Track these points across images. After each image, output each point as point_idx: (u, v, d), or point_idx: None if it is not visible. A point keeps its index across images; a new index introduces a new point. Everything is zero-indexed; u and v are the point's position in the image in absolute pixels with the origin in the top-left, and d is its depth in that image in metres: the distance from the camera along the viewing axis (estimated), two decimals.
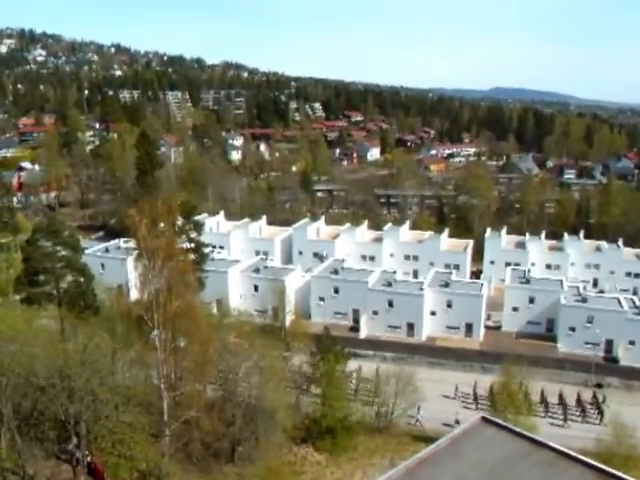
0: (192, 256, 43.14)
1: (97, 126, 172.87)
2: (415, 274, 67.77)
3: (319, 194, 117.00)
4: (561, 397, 44.23)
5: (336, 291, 57.45)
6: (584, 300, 54.45)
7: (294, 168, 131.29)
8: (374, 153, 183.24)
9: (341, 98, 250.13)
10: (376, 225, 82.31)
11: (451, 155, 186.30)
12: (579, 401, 44.73)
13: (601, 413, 43.19)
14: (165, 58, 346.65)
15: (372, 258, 70.94)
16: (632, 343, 51.35)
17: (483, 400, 44.15)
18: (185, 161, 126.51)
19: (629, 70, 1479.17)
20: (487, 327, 57.01)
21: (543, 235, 76.68)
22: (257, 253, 70.29)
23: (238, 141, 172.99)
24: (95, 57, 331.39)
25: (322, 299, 57.91)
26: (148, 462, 30.01)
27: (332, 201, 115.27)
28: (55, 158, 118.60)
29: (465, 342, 54.16)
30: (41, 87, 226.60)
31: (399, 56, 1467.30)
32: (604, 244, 73.86)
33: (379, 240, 73.49)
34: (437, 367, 49.75)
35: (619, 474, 15.89)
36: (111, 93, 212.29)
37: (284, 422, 35.00)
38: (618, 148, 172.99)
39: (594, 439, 34.28)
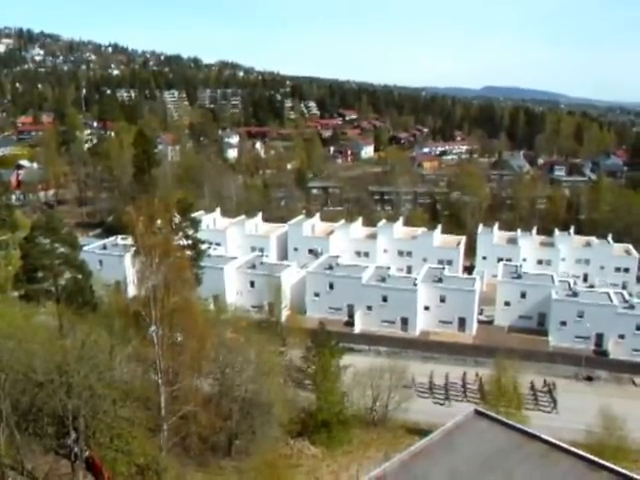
0: (189, 253, 43.40)
1: (95, 125, 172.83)
2: (409, 270, 68.39)
3: (314, 191, 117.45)
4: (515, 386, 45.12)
5: (331, 287, 58.02)
6: (575, 295, 55.26)
7: (289, 166, 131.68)
8: (368, 151, 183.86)
9: (335, 97, 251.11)
10: (370, 222, 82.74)
11: (444, 153, 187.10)
12: (532, 389, 45.61)
13: (554, 401, 44.15)
14: (162, 58, 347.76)
15: (366, 254, 71.43)
16: (622, 337, 52.24)
17: (440, 390, 45.43)
18: (182, 159, 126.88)
19: (619, 69, 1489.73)
20: (480, 321, 57.75)
21: (534, 231, 77.45)
22: (253, 250, 70.68)
23: (234, 139, 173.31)
24: (93, 56, 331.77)
25: (317, 294, 58.46)
26: (146, 456, 30.15)
27: (327, 198, 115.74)
28: (53, 156, 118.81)
29: (458, 336, 54.89)
30: (39, 86, 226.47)
31: (392, 55, 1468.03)
32: (594, 240, 74.63)
33: (373, 236, 74.03)
34: (430, 361, 50.33)
35: (609, 465, 16.55)
36: (109, 92, 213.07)
37: (280, 416, 35.39)
38: (607, 146, 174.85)
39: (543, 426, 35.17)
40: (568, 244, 72.93)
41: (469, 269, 73.28)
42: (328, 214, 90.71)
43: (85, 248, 54.95)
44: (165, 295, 30.04)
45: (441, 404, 43.77)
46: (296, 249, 73.08)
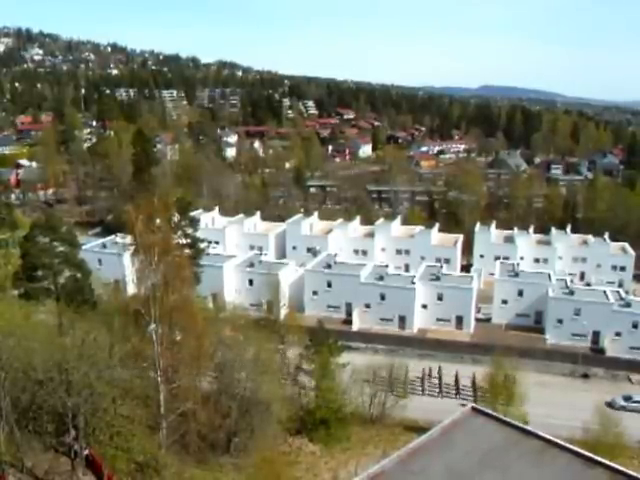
0: (188, 251, 43.55)
1: (94, 124, 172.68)
2: (406, 268, 68.61)
3: (312, 190, 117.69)
4: (474, 380, 45.61)
5: (329, 285, 58.23)
6: (571, 293, 55.56)
7: (287, 165, 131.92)
8: (366, 150, 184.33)
9: (333, 96, 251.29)
10: (368, 220, 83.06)
11: (441, 151, 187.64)
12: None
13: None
14: (161, 57, 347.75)
15: (364, 252, 71.71)
16: (618, 334, 52.56)
17: (400, 384, 45.74)
18: (181, 158, 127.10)
19: (614, 69, 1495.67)
20: (477, 319, 58.01)
21: (531, 229, 77.88)
22: (252, 248, 70.90)
23: (233, 138, 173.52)
24: (92, 56, 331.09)
25: (316, 293, 58.69)
26: (145, 454, 30.17)
27: (325, 197, 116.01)
28: (52, 155, 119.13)
29: (456, 334, 55.13)
30: (38, 86, 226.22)
31: (390, 55, 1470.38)
32: (591, 238, 74.97)
33: (371, 235, 74.26)
34: (428, 359, 50.59)
35: (605, 462, 16.57)
36: (108, 91, 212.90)
37: (279, 413, 35.51)
38: (604, 144, 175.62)
39: None
40: (565, 242, 73.26)
41: (466, 267, 73.56)
42: (326, 213, 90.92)
43: (84, 247, 54.92)
44: (164, 293, 30.06)
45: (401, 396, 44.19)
46: (294, 248, 73.26)
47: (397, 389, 44.83)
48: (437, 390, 46.04)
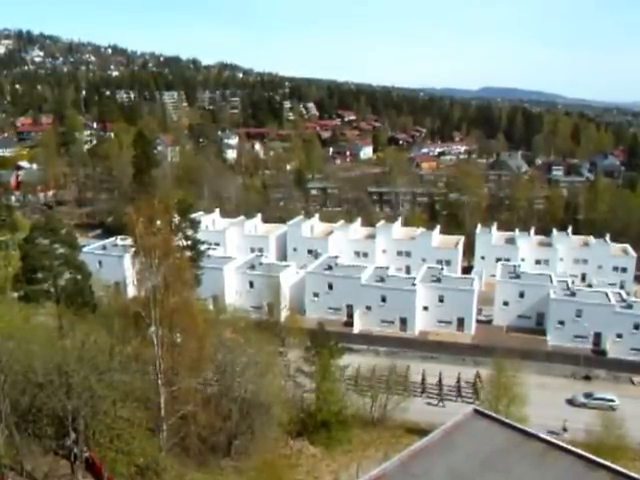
0: (188, 253, 43.53)
1: (94, 126, 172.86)
2: (407, 270, 68.53)
3: (313, 192, 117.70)
4: (440, 378, 45.43)
5: (330, 287, 58.16)
6: (573, 294, 55.48)
7: (288, 166, 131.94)
8: (367, 151, 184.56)
9: (334, 98, 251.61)
10: (369, 222, 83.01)
11: (442, 153, 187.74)
12: (458, 382, 45.75)
13: (476, 392, 44.28)
14: (161, 59, 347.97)
15: (365, 254, 71.62)
16: (619, 336, 52.49)
17: (365, 383, 45.02)
18: (181, 160, 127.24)
19: (614, 70, 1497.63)
20: (478, 321, 57.93)
21: (532, 231, 77.84)
22: (252, 250, 70.94)
23: (233, 140, 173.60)
24: (92, 58, 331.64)
25: (316, 295, 58.61)
26: (146, 457, 30.03)
27: (326, 199, 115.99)
28: (53, 157, 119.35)
29: (457, 336, 55.06)
30: (39, 87, 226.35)
31: (390, 56, 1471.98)
32: (592, 239, 74.85)
33: (372, 237, 74.21)
34: (429, 361, 50.40)
35: (607, 464, 16.36)
36: (108, 93, 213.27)
37: (280, 416, 35.36)
38: (604, 146, 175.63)
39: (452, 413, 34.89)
40: (566, 244, 73.15)
41: (467, 269, 73.44)
42: (327, 215, 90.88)
43: (85, 249, 55.07)
44: (165, 296, 30.00)
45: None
46: (295, 249, 73.23)
47: (363, 387, 44.24)
48: (402, 389, 45.50)
